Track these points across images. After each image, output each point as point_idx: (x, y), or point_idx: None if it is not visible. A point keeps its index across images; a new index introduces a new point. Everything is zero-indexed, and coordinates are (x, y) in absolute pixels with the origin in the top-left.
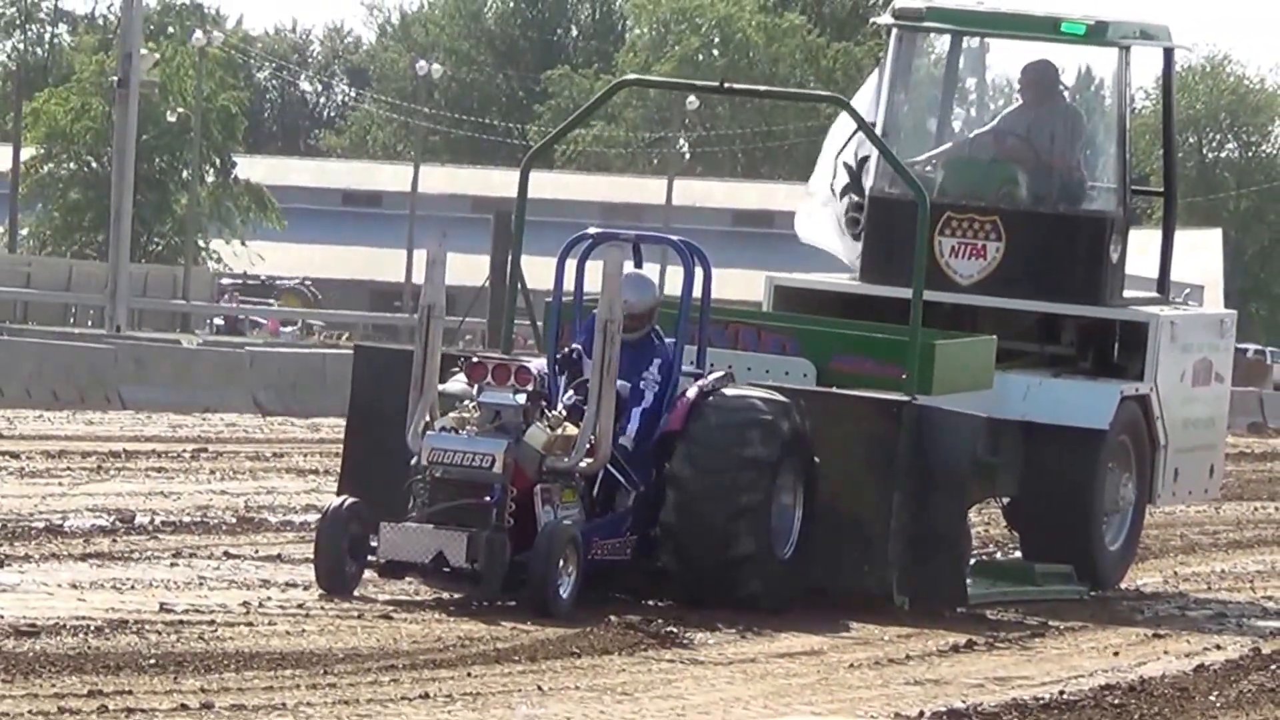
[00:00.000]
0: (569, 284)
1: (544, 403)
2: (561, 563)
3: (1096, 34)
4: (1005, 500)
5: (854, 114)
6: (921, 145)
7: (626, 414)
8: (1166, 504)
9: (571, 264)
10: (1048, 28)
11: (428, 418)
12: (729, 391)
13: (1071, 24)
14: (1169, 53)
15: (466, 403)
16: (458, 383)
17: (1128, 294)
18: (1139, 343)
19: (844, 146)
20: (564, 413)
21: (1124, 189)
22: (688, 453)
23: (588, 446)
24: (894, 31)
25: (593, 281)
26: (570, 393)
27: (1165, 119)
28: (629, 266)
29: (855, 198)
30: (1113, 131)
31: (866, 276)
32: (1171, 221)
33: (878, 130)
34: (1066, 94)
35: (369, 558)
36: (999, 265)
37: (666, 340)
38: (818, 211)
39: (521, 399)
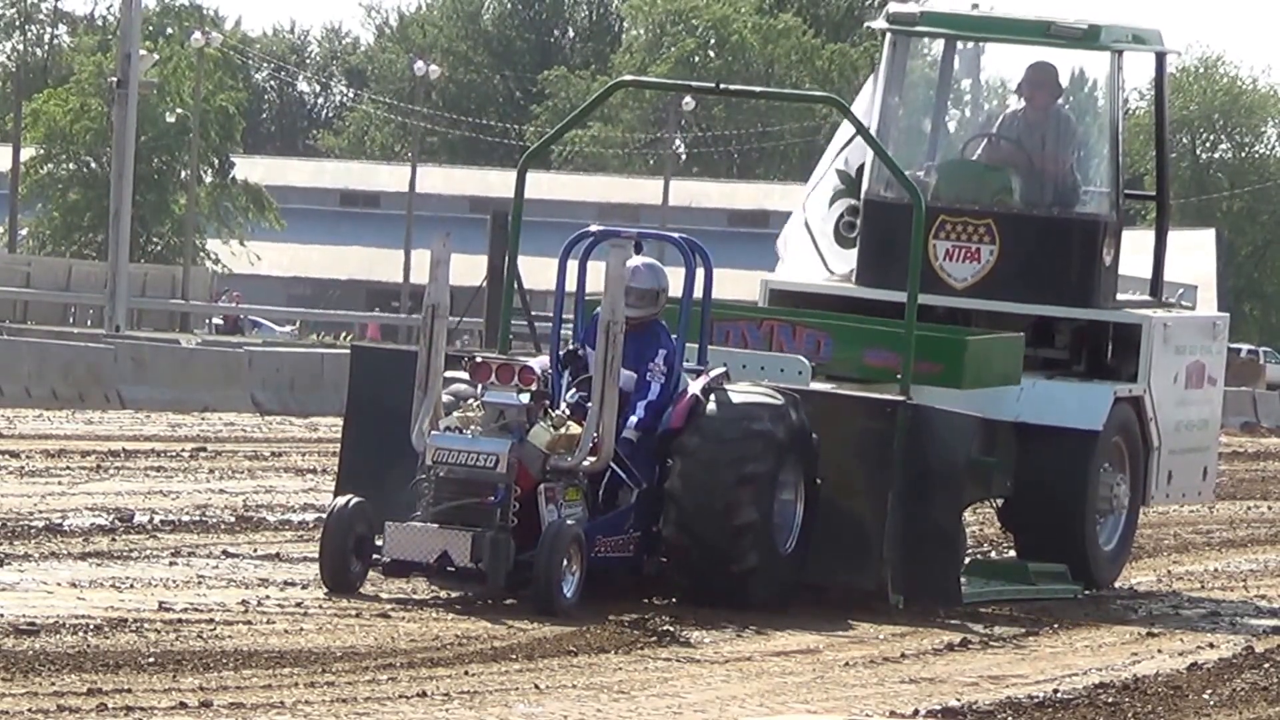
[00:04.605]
0: (571, 283)
1: (547, 402)
2: (565, 562)
3: (1089, 38)
4: (1000, 502)
5: (849, 114)
6: (916, 149)
7: (631, 406)
8: (1160, 505)
9: (573, 263)
10: (1040, 31)
11: (432, 416)
12: (731, 389)
13: (1063, 28)
14: (1161, 57)
15: (470, 402)
16: (460, 382)
17: (1121, 296)
18: (1132, 345)
19: (838, 154)
20: (567, 411)
21: (1117, 192)
22: (688, 451)
23: (591, 445)
24: (888, 36)
25: (594, 282)
26: (573, 390)
27: (1157, 123)
28: (635, 261)
29: (853, 202)
30: (1105, 135)
31: (861, 280)
32: (1164, 226)
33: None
34: (1060, 98)
35: (374, 557)
36: (993, 268)
37: (673, 336)
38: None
39: (525, 398)
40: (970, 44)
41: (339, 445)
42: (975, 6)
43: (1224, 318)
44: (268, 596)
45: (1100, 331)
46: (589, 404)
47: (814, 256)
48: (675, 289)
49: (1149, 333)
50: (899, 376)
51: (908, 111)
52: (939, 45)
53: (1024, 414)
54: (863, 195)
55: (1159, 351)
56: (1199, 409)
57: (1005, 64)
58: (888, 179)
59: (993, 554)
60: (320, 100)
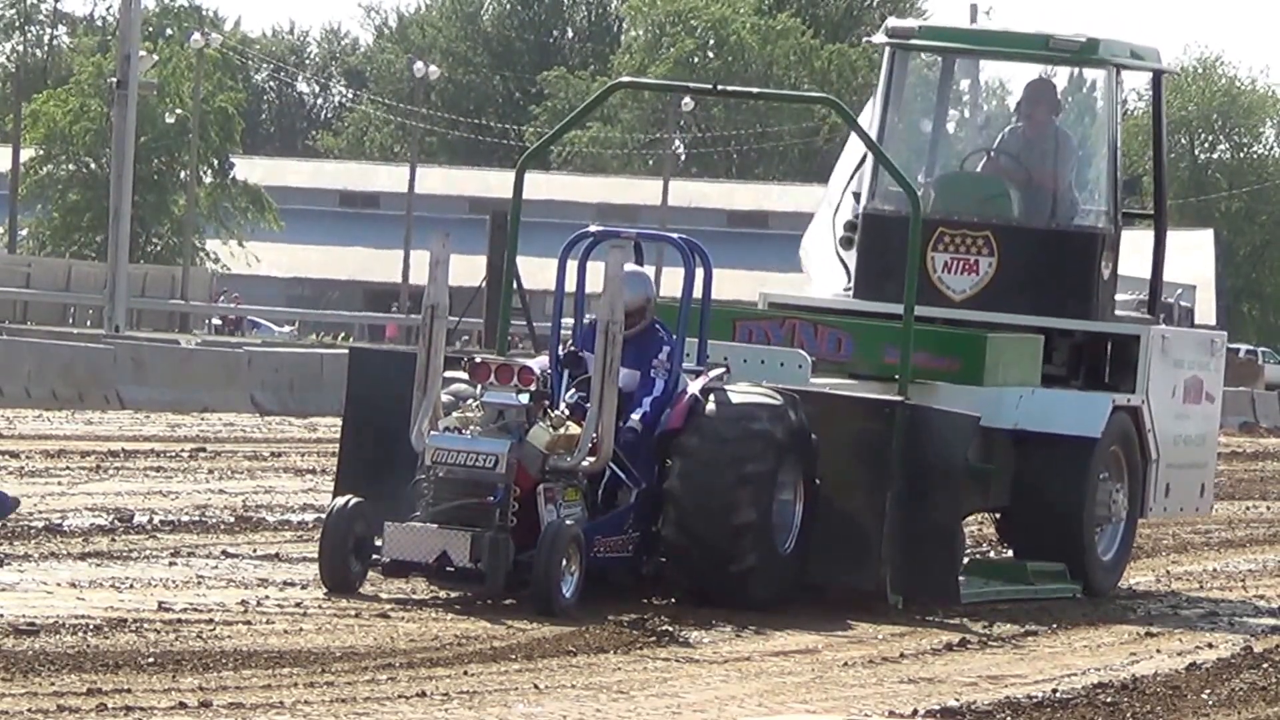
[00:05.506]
0: (571, 284)
1: (546, 402)
2: (565, 562)
3: (1087, 52)
4: (998, 515)
5: (846, 115)
6: (916, 162)
7: (636, 401)
8: (1157, 517)
9: (572, 264)
10: (1038, 46)
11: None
12: (730, 389)
13: (1062, 42)
14: (1158, 75)
15: (470, 402)
16: (460, 382)
17: (1119, 297)
18: (1130, 360)
19: (853, 174)
20: (566, 411)
21: (1114, 206)
22: (688, 451)
23: (590, 445)
24: (887, 50)
25: (593, 283)
26: (573, 391)
27: (1155, 141)
28: (628, 265)
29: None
30: (1103, 148)
31: (859, 293)
32: (1162, 241)
33: None
34: (1058, 114)
35: (373, 557)
36: (991, 280)
37: (673, 335)
38: (820, 239)
39: (524, 399)
40: (969, 58)
41: (338, 446)
42: (976, 20)
43: (1222, 335)
44: (267, 596)
45: (1098, 345)
46: (588, 404)
47: (840, 274)
48: (675, 289)
49: (1147, 343)
50: (901, 374)
51: (907, 125)
52: (938, 59)
53: (1022, 422)
54: (860, 209)
55: (1157, 363)
56: (1197, 424)
57: (1005, 77)
58: (885, 192)
59: (991, 554)
60: (319, 101)
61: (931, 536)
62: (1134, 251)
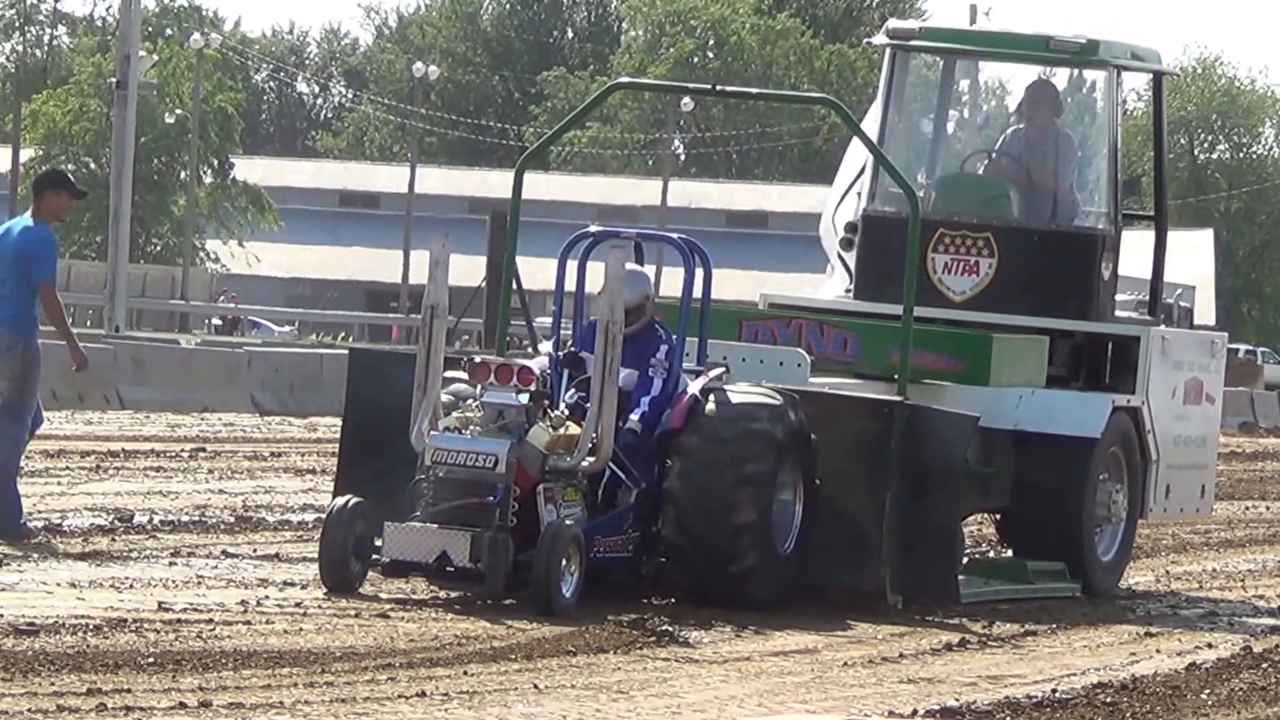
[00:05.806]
0: (571, 284)
1: (546, 402)
2: (565, 562)
3: (1087, 53)
4: (998, 515)
5: (845, 115)
6: (916, 163)
7: (634, 401)
8: (1157, 518)
9: (572, 264)
10: (1038, 47)
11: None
12: (730, 389)
13: (1063, 43)
14: (1158, 77)
15: (470, 402)
16: (460, 382)
17: (1119, 297)
18: (1130, 361)
19: (859, 175)
20: (566, 411)
21: (1115, 207)
22: (688, 451)
23: (590, 445)
24: (888, 51)
25: (593, 282)
26: (572, 391)
27: (1156, 143)
28: (628, 265)
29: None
30: (1104, 150)
31: (859, 294)
32: (1162, 244)
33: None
34: (1060, 116)
35: (373, 557)
36: (992, 281)
37: (673, 336)
38: (825, 240)
39: (524, 399)
40: (970, 59)
41: (338, 446)
42: (975, 9)
43: (1223, 336)
44: (267, 596)
45: (1098, 346)
46: (588, 404)
47: (843, 274)
48: (675, 289)
49: (1147, 344)
50: (900, 374)
51: (908, 126)
52: (938, 61)
53: (1022, 422)
54: (860, 210)
55: (1157, 364)
56: (1197, 425)
57: (1005, 78)
58: (885, 194)
59: (991, 553)
60: (319, 101)
61: (931, 536)
62: (1134, 252)
